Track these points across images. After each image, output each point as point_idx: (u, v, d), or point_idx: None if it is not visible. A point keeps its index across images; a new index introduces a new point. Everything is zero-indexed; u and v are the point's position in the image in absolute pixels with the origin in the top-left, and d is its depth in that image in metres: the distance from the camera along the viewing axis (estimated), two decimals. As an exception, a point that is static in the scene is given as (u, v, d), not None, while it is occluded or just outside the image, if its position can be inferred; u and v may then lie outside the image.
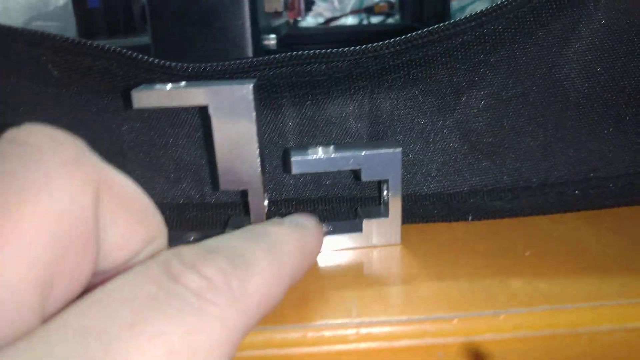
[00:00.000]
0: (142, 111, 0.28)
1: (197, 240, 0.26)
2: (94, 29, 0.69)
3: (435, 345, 0.20)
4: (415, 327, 0.20)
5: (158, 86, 0.23)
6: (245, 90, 0.22)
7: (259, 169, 0.24)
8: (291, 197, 0.29)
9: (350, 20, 0.98)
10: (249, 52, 0.37)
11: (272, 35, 0.44)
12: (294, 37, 0.69)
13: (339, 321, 0.20)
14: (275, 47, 0.44)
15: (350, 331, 0.20)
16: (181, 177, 0.29)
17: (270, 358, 0.20)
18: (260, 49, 0.39)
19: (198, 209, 0.29)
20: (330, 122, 0.28)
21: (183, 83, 0.23)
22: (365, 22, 0.96)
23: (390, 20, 0.96)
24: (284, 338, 0.20)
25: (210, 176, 0.29)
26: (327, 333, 0.20)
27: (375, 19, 0.96)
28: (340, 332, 0.20)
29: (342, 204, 0.29)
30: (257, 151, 0.23)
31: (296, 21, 0.90)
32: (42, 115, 0.28)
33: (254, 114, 0.23)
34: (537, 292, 0.21)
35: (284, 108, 0.28)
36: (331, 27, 0.93)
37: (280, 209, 0.29)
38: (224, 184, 0.24)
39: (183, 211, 0.28)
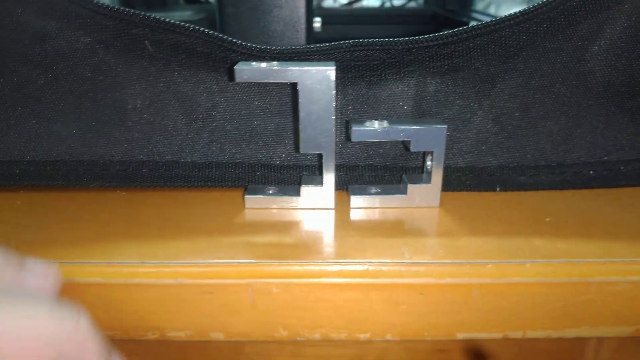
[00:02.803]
0: (219, 83, 0.32)
1: (275, 193, 0.31)
2: (131, 1, 0.73)
3: (473, 284, 0.25)
4: (457, 268, 0.25)
5: (254, 64, 0.27)
6: (330, 70, 0.27)
7: (334, 137, 0.28)
8: (342, 163, 0.34)
9: (372, 3, 1.00)
10: (302, 34, 0.41)
11: (318, 18, 0.48)
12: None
13: (395, 260, 0.25)
14: (320, 30, 0.48)
15: (404, 268, 0.25)
16: (253, 141, 0.33)
17: (338, 286, 0.25)
18: (311, 31, 0.43)
19: (265, 169, 0.33)
20: (380, 100, 0.33)
21: (275, 62, 0.28)
22: (387, 4, 0.99)
23: (412, 4, 0.98)
24: (354, 269, 0.25)
25: (294, 141, 0.33)
26: (385, 268, 0.25)
27: (397, 1, 0.99)
28: (395, 268, 0.25)
29: (386, 172, 0.34)
30: (334, 122, 0.28)
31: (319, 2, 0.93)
32: (134, 82, 0.32)
33: (334, 91, 0.27)
34: (556, 248, 0.26)
35: (340, 87, 0.32)
36: (354, 9, 0.96)
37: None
38: (304, 148, 0.29)
39: (254, 169, 0.33)
